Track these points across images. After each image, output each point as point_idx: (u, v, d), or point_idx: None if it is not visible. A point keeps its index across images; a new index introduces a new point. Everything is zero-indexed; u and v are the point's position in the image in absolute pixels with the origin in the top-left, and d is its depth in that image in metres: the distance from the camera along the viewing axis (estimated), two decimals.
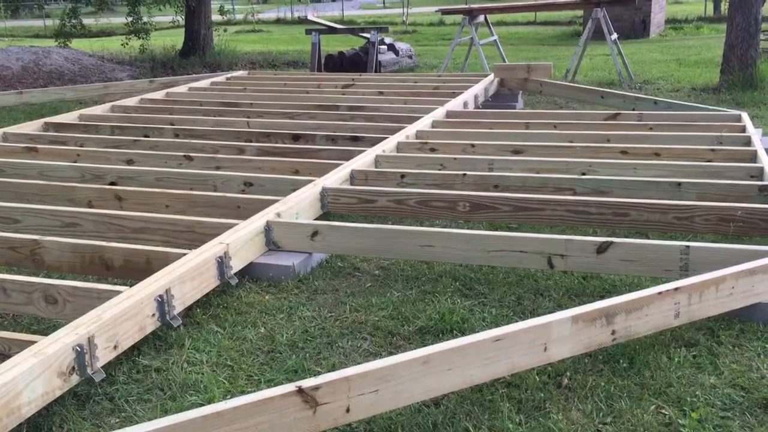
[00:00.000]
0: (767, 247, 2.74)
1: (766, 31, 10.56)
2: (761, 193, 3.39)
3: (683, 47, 12.52)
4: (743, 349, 2.37)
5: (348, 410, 1.90)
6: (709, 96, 7.42)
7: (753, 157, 4.01)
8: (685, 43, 13.32)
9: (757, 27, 7.66)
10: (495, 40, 10.13)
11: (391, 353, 2.37)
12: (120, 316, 2.32)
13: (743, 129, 4.70)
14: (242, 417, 1.78)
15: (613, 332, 2.26)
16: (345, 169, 3.96)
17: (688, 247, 2.71)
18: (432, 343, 2.10)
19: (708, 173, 3.74)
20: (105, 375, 2.24)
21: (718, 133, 4.54)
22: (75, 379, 2.16)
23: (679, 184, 3.52)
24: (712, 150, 4.15)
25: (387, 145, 4.49)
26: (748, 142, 4.36)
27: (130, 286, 2.52)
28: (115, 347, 2.31)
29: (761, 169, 3.68)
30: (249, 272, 3.06)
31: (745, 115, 5.06)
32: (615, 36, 8.87)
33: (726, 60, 7.82)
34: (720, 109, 5.70)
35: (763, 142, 4.53)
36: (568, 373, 2.24)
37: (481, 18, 10.00)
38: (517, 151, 4.40)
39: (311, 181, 3.74)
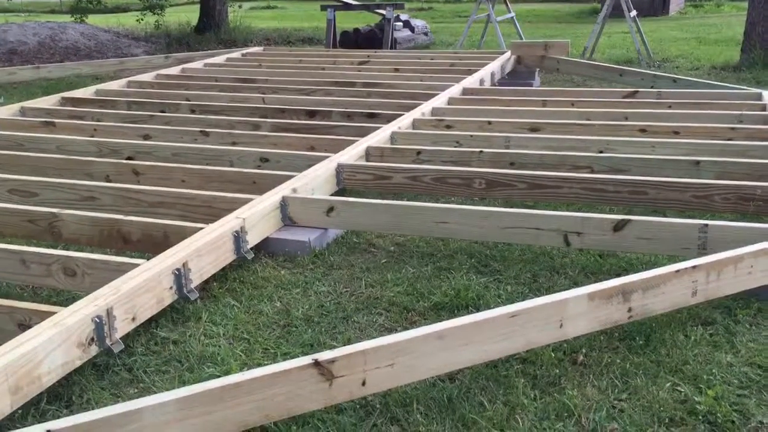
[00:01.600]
0: None
1: None
2: None
3: (703, 25, 12.34)
4: (760, 328, 2.36)
5: (364, 383, 1.91)
6: (730, 74, 7.32)
7: None
8: (706, 21, 13.12)
9: None
10: (512, 17, 10.03)
11: (406, 328, 2.37)
12: (138, 289, 2.34)
13: (764, 108, 4.63)
14: (260, 388, 1.79)
15: (630, 310, 2.25)
16: (361, 145, 3.95)
17: (706, 225, 2.69)
18: (447, 319, 2.10)
19: (728, 152, 3.70)
20: (123, 346, 2.27)
21: (739, 112, 4.48)
22: (94, 349, 2.19)
23: (698, 162, 3.48)
24: (732, 128, 4.10)
25: (403, 122, 4.48)
26: None
27: (148, 260, 2.54)
28: (134, 319, 2.33)
29: None
30: (265, 247, 3.07)
31: (766, 94, 4.99)
32: (634, 13, 8.75)
33: (747, 38, 7.70)
34: (740, 87, 5.62)
35: None
36: (584, 350, 2.24)
37: None
38: (533, 129, 4.37)
39: (327, 157, 3.74)
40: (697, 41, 10.10)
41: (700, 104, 4.79)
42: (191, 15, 13.72)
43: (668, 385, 2.06)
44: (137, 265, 2.47)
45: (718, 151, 3.72)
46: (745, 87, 5.70)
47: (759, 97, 4.97)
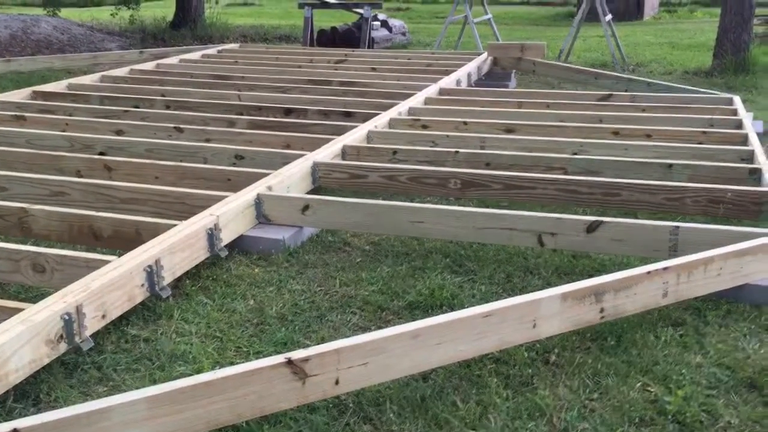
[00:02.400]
0: (756, 229, 2.75)
1: (759, 16, 10.57)
2: (751, 176, 3.40)
3: (677, 30, 12.51)
4: (729, 329, 2.40)
5: (337, 382, 1.91)
6: (702, 79, 7.42)
7: (744, 140, 4.02)
8: (679, 27, 13.30)
9: (750, 11, 7.66)
10: (489, 19, 10.07)
11: (380, 327, 2.37)
12: (109, 286, 2.31)
13: (735, 112, 4.71)
14: (232, 387, 1.78)
15: (602, 310, 2.27)
16: (337, 144, 3.94)
17: (677, 227, 2.72)
18: (421, 318, 2.10)
19: (699, 155, 3.75)
20: (93, 344, 2.24)
21: (710, 116, 4.55)
22: (63, 347, 2.15)
23: (670, 165, 3.53)
24: (704, 132, 4.16)
25: (379, 121, 4.47)
26: (739, 125, 4.37)
27: (119, 256, 2.51)
28: (104, 316, 2.30)
29: (752, 152, 3.70)
30: (239, 245, 3.05)
31: (737, 99, 5.07)
32: (609, 17, 8.84)
33: (719, 44, 7.82)
34: (712, 92, 5.71)
35: (755, 125, 4.55)
36: (556, 350, 2.25)
37: None
38: (509, 130, 4.40)
39: (303, 155, 3.72)
40: (670, 46, 10.23)
41: (673, 108, 4.85)
42: (167, 10, 13.57)
43: (639, 385, 2.08)
44: (108, 261, 2.44)
45: (690, 155, 3.77)
46: (716, 92, 5.79)
47: (730, 101, 5.05)
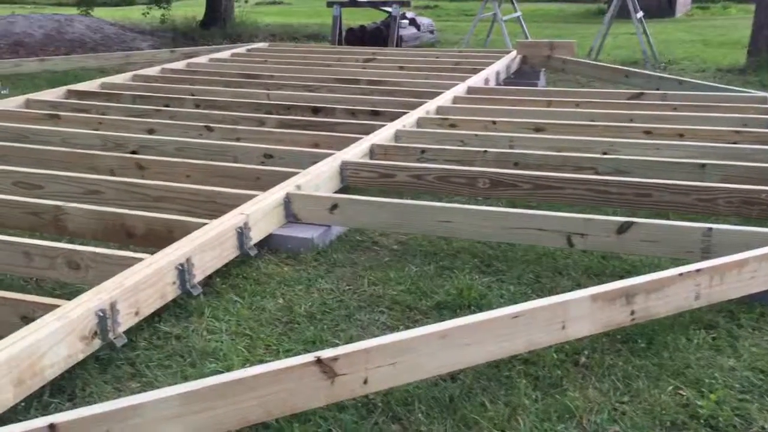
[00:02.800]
0: None
1: None
2: None
3: (710, 27, 12.31)
4: (763, 332, 2.36)
5: (366, 382, 1.92)
6: (735, 77, 7.30)
7: None
8: (712, 23, 13.09)
9: None
10: (518, 17, 10.01)
11: (408, 327, 2.37)
12: (141, 283, 2.34)
13: None
14: (262, 384, 1.80)
15: (633, 312, 2.25)
16: (365, 143, 3.95)
17: (710, 229, 2.69)
18: (449, 319, 2.10)
19: (733, 155, 3.69)
20: (126, 340, 2.27)
21: (744, 115, 4.48)
22: (97, 343, 2.19)
23: (703, 165, 3.48)
24: (737, 132, 4.09)
25: (407, 120, 4.47)
26: None
27: (152, 254, 2.54)
28: (137, 313, 2.33)
29: None
30: (268, 243, 3.07)
31: None
32: (641, 14, 8.73)
33: (753, 41, 7.69)
34: (746, 90, 5.62)
35: None
36: (586, 352, 2.24)
37: None
38: (538, 129, 4.37)
39: (331, 154, 3.74)
40: (703, 43, 10.08)
41: (706, 107, 4.78)
42: (197, 10, 13.71)
43: (670, 388, 2.06)
44: (141, 259, 2.48)
45: (723, 155, 3.71)
46: (750, 90, 5.69)
47: (764, 100, 4.95)
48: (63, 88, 5.68)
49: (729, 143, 3.95)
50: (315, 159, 3.69)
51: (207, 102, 5.23)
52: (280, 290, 2.71)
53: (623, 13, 9.23)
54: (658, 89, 5.77)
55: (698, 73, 7.72)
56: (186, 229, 2.79)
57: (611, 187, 3.26)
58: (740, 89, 5.67)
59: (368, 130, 4.26)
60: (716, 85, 5.97)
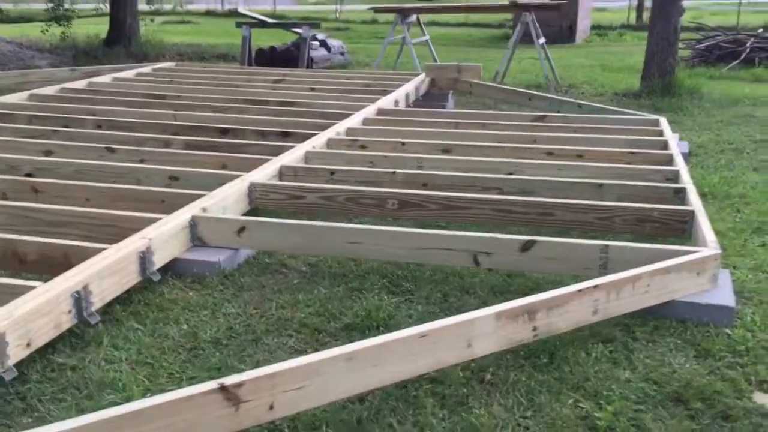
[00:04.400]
0: (681, 247, 2.86)
1: (684, 40, 11.03)
2: (676, 195, 3.53)
3: (607, 53, 12.94)
4: (657, 344, 2.47)
5: (272, 407, 1.88)
6: (631, 101, 7.69)
7: (669, 160, 4.17)
8: (609, 50, 13.76)
9: (675, 36, 7.98)
10: (426, 40, 10.22)
11: (317, 350, 2.35)
12: (34, 313, 2.23)
13: (661, 133, 4.89)
14: (162, 415, 1.73)
15: (535, 328, 2.31)
16: (274, 164, 3.92)
17: (607, 246, 2.80)
18: (358, 340, 2.10)
19: (628, 175, 3.87)
20: (17, 373, 2.15)
21: (638, 137, 4.71)
22: None
23: (601, 185, 3.63)
24: (632, 152, 4.30)
25: (317, 141, 4.47)
26: (665, 145, 4.53)
27: (45, 282, 2.42)
28: (28, 345, 2.21)
29: (677, 172, 3.84)
30: (173, 268, 2.99)
31: (663, 120, 5.27)
32: (543, 40, 9.08)
33: (647, 67, 8.12)
34: (640, 113, 5.92)
35: (680, 146, 4.74)
36: (491, 369, 2.28)
37: (414, 17, 10.08)
38: (446, 150, 4.45)
39: (239, 176, 3.68)
40: (601, 68, 10.58)
41: (603, 129, 5.00)
42: (100, 27, 13.29)
43: (570, 401, 2.12)
44: (33, 287, 2.36)
45: (619, 175, 3.88)
46: (644, 113, 6.00)
47: (656, 123, 5.24)
48: None
49: (624, 163, 4.15)
50: (222, 181, 3.62)
51: (109, 122, 5.06)
52: (185, 316, 2.64)
53: (527, 39, 9.58)
54: (559, 112, 6.00)
55: (596, 96, 8.08)
56: (84, 255, 2.67)
57: (516, 207, 3.35)
58: (635, 112, 5.97)
59: (278, 152, 4.23)
60: (613, 108, 6.26)
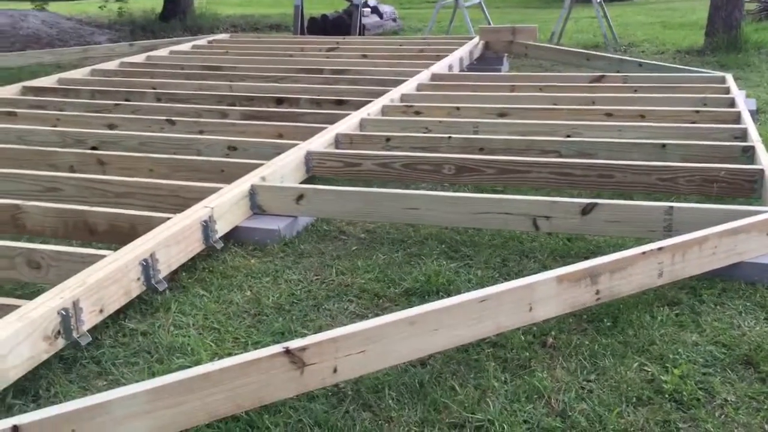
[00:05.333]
0: (749, 207, 2.76)
1: None
2: (744, 154, 3.41)
3: (668, 9, 12.48)
4: (725, 307, 2.41)
5: (335, 370, 1.91)
6: (694, 58, 7.41)
7: (737, 118, 4.02)
8: (671, 5, 13.26)
9: None
10: (480, 3, 10.03)
11: (377, 315, 2.38)
12: (105, 280, 2.31)
13: (727, 91, 4.71)
14: (230, 378, 1.78)
15: (598, 292, 2.28)
16: (330, 132, 3.93)
17: (671, 207, 2.73)
18: (418, 305, 2.11)
19: (692, 135, 3.76)
20: (91, 338, 2.24)
21: (703, 95, 4.55)
22: (61, 342, 2.15)
23: (664, 145, 3.53)
24: (697, 111, 4.15)
25: (372, 109, 4.46)
26: (732, 103, 4.37)
27: (114, 251, 2.50)
28: (101, 311, 2.30)
29: (744, 130, 3.70)
30: (234, 236, 3.05)
31: (729, 77, 5.07)
32: None
33: (711, 22, 7.80)
34: (704, 71, 5.70)
35: (747, 103, 4.56)
36: (553, 333, 2.26)
37: None
38: (502, 114, 4.39)
39: (296, 144, 3.71)
40: (662, 25, 10.21)
41: (665, 88, 4.84)
42: (156, 2, 13.48)
43: (635, 365, 2.09)
44: (104, 256, 2.44)
45: (683, 134, 3.77)
46: (708, 71, 5.79)
47: (722, 80, 5.04)
48: (18, 85, 5.54)
49: (689, 123, 4.02)
50: (279, 150, 3.66)
51: (168, 95, 5.15)
52: (248, 283, 2.69)
53: None
54: (618, 72, 5.84)
55: (658, 55, 7.82)
56: (150, 225, 2.75)
57: (575, 170, 3.29)
58: (699, 70, 5.76)
59: (333, 120, 4.24)
60: (675, 66, 6.05)
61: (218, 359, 2.02)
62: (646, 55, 7.68)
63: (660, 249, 2.38)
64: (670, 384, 1.98)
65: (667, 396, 1.95)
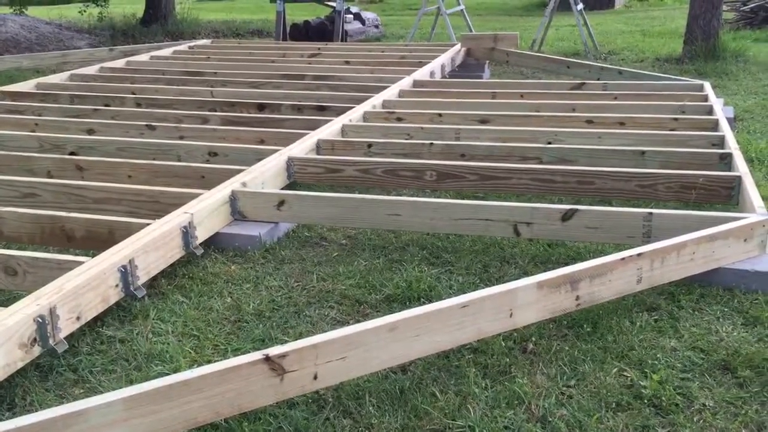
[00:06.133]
0: (727, 213, 2.79)
1: (728, 2, 10.69)
2: (722, 161, 3.45)
3: (648, 18, 12.62)
4: (703, 312, 2.43)
5: (316, 377, 1.90)
6: (673, 66, 7.50)
7: (715, 125, 4.07)
8: (650, 14, 13.42)
9: None
10: (462, 10, 10.08)
11: (358, 321, 2.37)
12: (82, 287, 2.28)
13: (705, 98, 4.76)
14: (209, 385, 1.77)
15: (578, 298, 2.29)
16: (311, 138, 3.93)
17: (650, 213, 2.75)
18: (399, 311, 2.10)
19: (671, 142, 3.79)
20: (68, 346, 2.21)
21: (681, 103, 4.60)
22: (37, 350, 2.12)
23: (643, 152, 3.56)
24: (676, 119, 4.20)
25: (353, 115, 4.46)
26: (710, 111, 4.42)
27: (92, 257, 2.48)
28: (78, 318, 2.27)
29: (722, 138, 3.74)
30: (214, 242, 3.03)
31: (707, 85, 5.13)
32: (581, 6, 8.89)
33: (689, 30, 7.89)
34: (683, 78, 5.77)
35: (725, 111, 4.62)
36: (533, 338, 2.27)
37: None
38: (483, 121, 4.41)
39: (277, 150, 3.70)
40: (641, 34, 10.32)
41: (645, 95, 4.89)
42: (136, 7, 13.41)
43: (615, 370, 2.10)
44: (81, 263, 2.41)
45: (662, 141, 3.80)
46: (687, 78, 5.85)
47: (700, 88, 5.10)
48: None
49: (668, 130, 4.06)
50: (261, 156, 3.65)
51: (148, 100, 5.12)
52: (228, 289, 2.67)
53: (564, 6, 9.38)
54: (598, 79, 5.89)
55: (637, 62, 7.90)
56: (129, 231, 2.72)
57: (556, 176, 3.31)
58: (677, 77, 5.83)
59: (314, 126, 4.24)
60: (654, 74, 6.11)
61: (197, 366, 2.00)
62: (625, 63, 7.75)
63: (639, 255, 2.39)
64: (649, 389, 1.99)
65: (646, 401, 1.96)
